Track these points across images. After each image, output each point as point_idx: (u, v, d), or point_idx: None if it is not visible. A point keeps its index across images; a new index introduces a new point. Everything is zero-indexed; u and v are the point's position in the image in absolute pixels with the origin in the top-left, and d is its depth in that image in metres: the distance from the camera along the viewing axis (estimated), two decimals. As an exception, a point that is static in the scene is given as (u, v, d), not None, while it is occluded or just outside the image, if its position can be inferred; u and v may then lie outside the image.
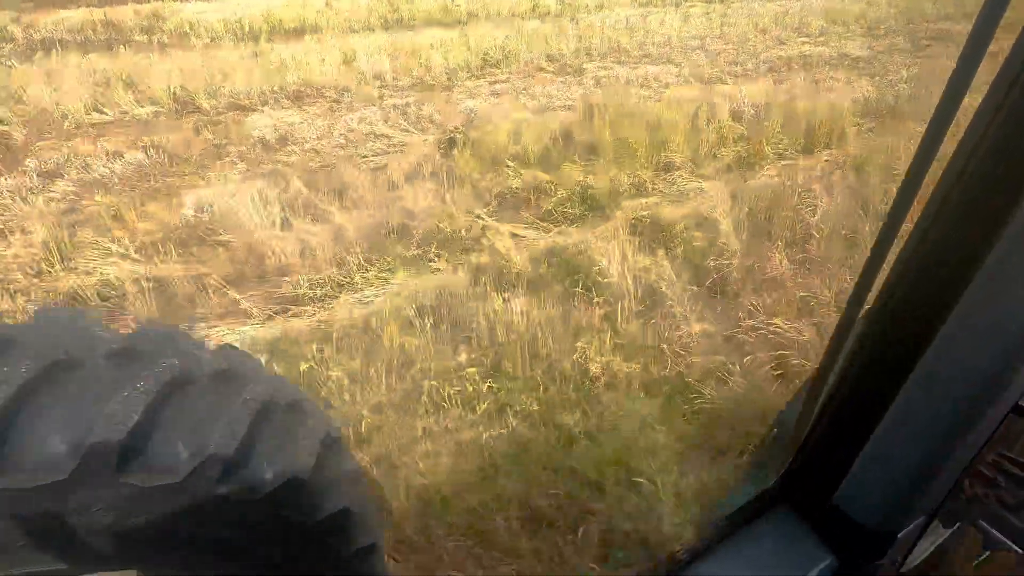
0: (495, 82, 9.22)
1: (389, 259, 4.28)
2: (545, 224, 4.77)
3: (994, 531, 1.39)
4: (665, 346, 3.11)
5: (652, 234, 4.41)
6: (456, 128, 6.44)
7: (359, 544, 1.41)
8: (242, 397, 1.24)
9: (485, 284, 3.71)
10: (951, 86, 0.53)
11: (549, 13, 14.88)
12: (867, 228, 4.32)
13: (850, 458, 0.79)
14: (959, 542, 1.74)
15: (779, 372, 3.09)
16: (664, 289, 3.57)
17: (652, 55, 10.73)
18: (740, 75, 9.32)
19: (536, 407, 2.62)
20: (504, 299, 3.49)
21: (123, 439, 1.00)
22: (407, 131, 7.13)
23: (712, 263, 3.98)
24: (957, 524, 1.58)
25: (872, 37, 11.72)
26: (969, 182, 0.57)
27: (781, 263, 3.95)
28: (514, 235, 4.60)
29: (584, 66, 10.00)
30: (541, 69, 9.94)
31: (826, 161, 5.76)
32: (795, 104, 7.30)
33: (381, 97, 8.53)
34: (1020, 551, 1.35)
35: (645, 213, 4.62)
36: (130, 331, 1.29)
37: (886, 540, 0.80)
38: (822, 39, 11.67)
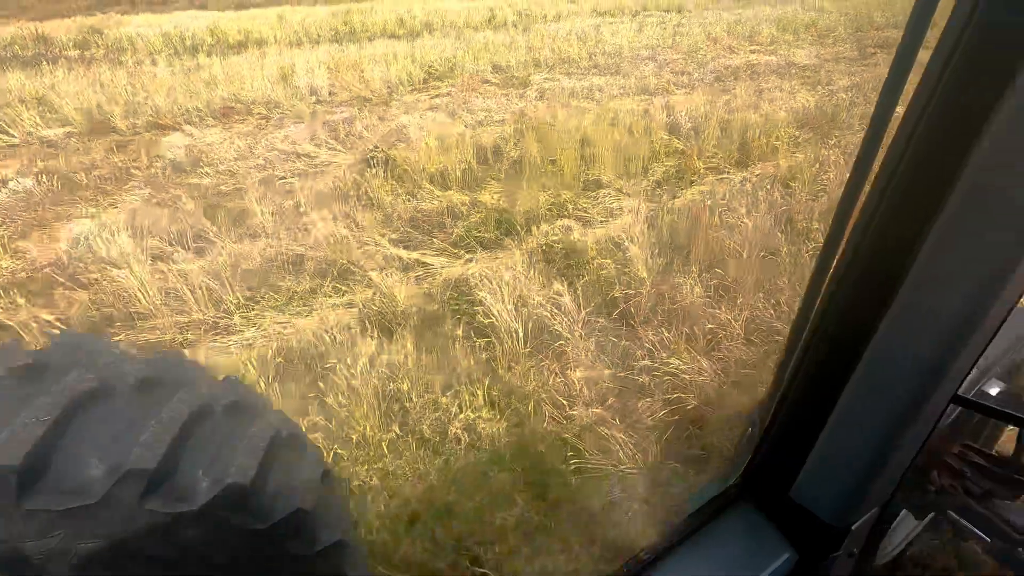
0: (436, 95, 8.93)
1: (277, 296, 3.92)
2: (456, 250, 4.46)
3: (963, 521, 1.45)
4: (547, 395, 2.81)
5: (563, 261, 4.13)
6: (376, 147, 6.12)
7: (322, 544, 1.35)
8: (170, 405, 1.19)
9: (366, 325, 3.38)
10: (882, 97, 0.57)
11: (505, 24, 14.69)
12: (785, 250, 4.10)
13: (804, 454, 0.80)
14: (931, 533, 1.82)
15: (673, 418, 2.81)
16: (558, 327, 3.28)
17: (601, 66, 10.57)
18: (686, 85, 9.19)
19: (379, 480, 2.29)
20: (380, 344, 3.17)
21: (20, 463, 0.94)
22: (333, 149, 6.79)
23: (621, 293, 3.71)
24: (929, 516, 1.66)
25: (821, 45, 11.74)
26: (896, 189, 0.60)
27: (693, 291, 3.70)
28: (421, 264, 4.29)
29: (530, 78, 9.78)
30: (486, 81, 9.69)
31: (757, 176, 5.57)
32: (736, 115, 7.15)
33: (314, 113, 8.18)
34: (988, 539, 1.41)
35: (558, 238, 4.34)
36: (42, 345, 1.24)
37: (841, 533, 0.81)
38: (772, 47, 11.65)
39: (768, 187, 5.26)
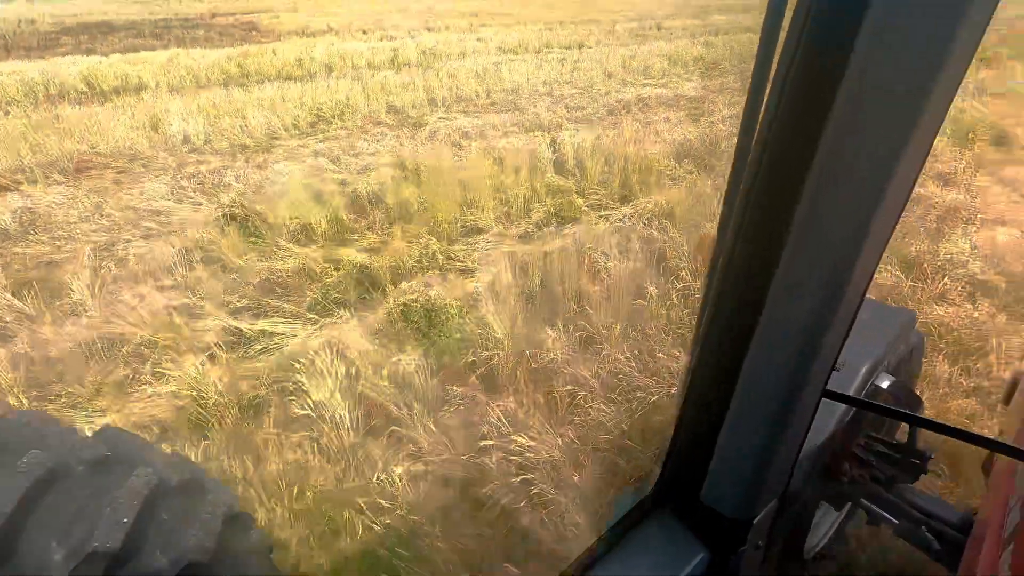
0: (324, 140, 8.52)
1: (80, 390, 3.31)
2: (311, 316, 4.02)
3: (874, 507, 1.58)
4: (366, 499, 2.41)
5: (423, 320, 3.78)
6: (234, 202, 5.61)
7: None
8: (9, 470, 1.08)
9: (168, 425, 2.87)
10: (744, 120, 0.61)
11: (408, 63, 14.58)
12: (654, 290, 3.97)
13: (707, 458, 0.85)
14: (850, 521, 1.93)
15: (516, 506, 2.48)
16: (398, 405, 2.90)
17: (499, 103, 10.57)
18: (579, 120, 9.30)
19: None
20: (180, 448, 2.66)
21: None
22: (195, 204, 6.19)
23: (478, 356, 3.40)
24: (846, 506, 1.79)
25: (708, 78, 12.39)
26: (756, 206, 0.63)
27: (555, 346, 3.45)
28: (266, 334, 3.80)
29: (425, 118, 9.58)
30: (379, 122, 9.40)
31: (637, 211, 5.52)
32: (623, 149, 7.20)
33: (182, 164, 7.53)
34: (896, 521, 1.54)
35: (417, 295, 4.00)
36: None
37: (744, 527, 0.87)
38: (663, 81, 12.16)
39: (646, 222, 5.20)
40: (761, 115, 0.58)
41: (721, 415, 0.80)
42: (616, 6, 29.29)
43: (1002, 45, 14.98)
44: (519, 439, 2.71)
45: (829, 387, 1.65)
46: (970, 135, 7.45)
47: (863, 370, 1.63)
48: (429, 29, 22.49)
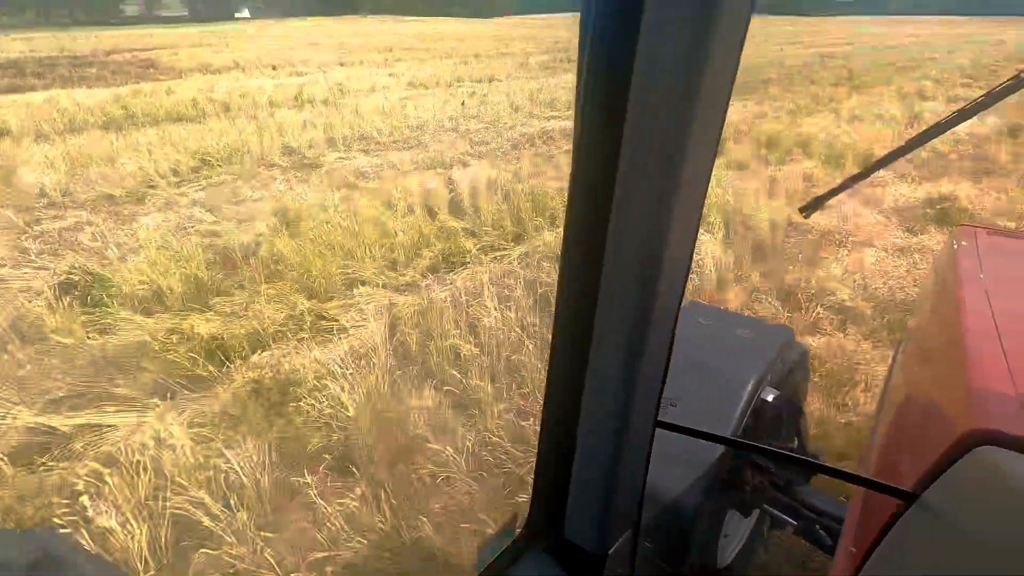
0: (206, 187, 7.89)
1: None
2: (146, 402, 3.48)
3: (776, 511, 1.72)
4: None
5: (273, 399, 3.35)
6: (74, 266, 4.95)
7: None
8: None
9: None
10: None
11: (313, 101, 14.11)
12: (532, 344, 3.75)
13: (566, 494, 0.85)
14: (758, 527, 2.14)
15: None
16: (211, 519, 2.46)
17: (402, 140, 10.33)
18: (484, 155, 9.20)
19: None
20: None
21: None
22: (37, 269, 5.43)
23: (331, 439, 3.02)
24: (753, 513, 1.93)
25: (611, 108, 12.77)
26: (578, 230, 0.60)
27: (421, 419, 3.13)
28: (87, 428, 3.23)
29: (323, 158, 9.16)
30: (272, 165, 8.87)
31: (527, 254, 5.37)
32: (522, 185, 7.12)
33: (33, 222, 6.68)
34: (795, 523, 1.68)
35: (270, 370, 3.57)
36: None
37: (602, 560, 0.89)
38: (568, 113, 12.39)
39: (535, 265, 5.04)
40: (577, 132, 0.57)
41: (572, 450, 0.80)
42: (531, 38, 30.23)
43: (868, 73, 16.60)
44: (359, 543, 2.34)
45: (715, 402, 1.71)
46: (842, 160, 7.98)
47: (749, 385, 1.74)
48: (342, 64, 22.15)
